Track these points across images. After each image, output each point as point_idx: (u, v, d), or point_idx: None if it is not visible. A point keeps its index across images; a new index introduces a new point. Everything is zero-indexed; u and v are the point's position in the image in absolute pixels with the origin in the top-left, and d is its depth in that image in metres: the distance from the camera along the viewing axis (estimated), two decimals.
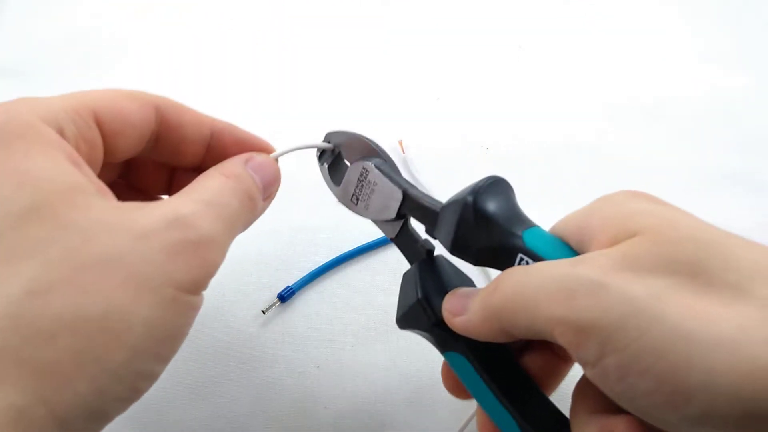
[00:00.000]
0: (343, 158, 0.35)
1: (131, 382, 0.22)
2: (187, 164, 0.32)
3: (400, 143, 0.51)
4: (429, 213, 0.31)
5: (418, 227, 0.33)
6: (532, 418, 0.28)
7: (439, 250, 0.32)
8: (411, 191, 0.32)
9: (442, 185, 0.50)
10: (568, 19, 0.62)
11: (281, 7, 0.61)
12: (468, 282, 0.33)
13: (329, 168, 0.35)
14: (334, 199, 0.48)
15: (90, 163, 0.27)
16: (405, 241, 0.33)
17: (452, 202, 0.29)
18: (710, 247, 0.23)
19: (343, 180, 0.34)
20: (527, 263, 0.27)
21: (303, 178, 0.50)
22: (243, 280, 0.44)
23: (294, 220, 0.47)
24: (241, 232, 0.29)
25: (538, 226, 0.28)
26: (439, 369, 0.41)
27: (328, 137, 0.35)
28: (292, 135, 0.52)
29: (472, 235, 0.28)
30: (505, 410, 0.28)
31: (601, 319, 0.21)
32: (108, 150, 0.28)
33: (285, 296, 0.43)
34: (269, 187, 0.31)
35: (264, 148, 0.32)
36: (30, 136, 0.24)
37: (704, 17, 0.62)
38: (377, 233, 0.46)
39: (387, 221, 0.33)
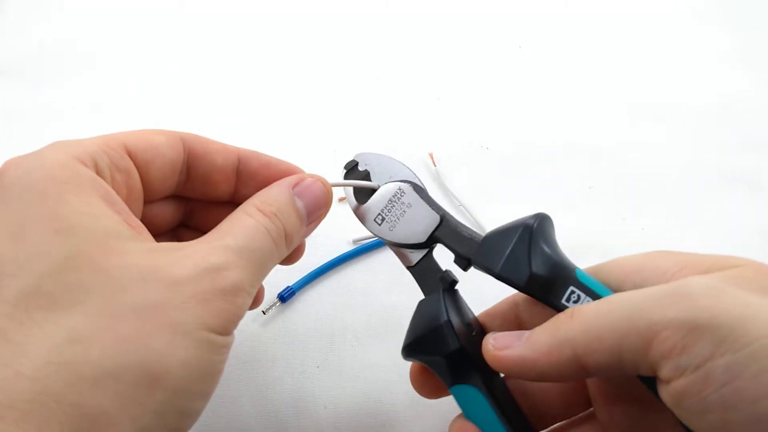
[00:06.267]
0: (369, 178, 0.34)
1: (175, 421, 0.23)
2: (222, 195, 0.32)
3: (431, 156, 0.51)
4: (467, 241, 0.31)
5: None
6: None
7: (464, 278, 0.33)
8: (449, 218, 0.32)
9: (444, 185, 0.50)
10: (568, 19, 0.62)
11: (277, 6, 0.61)
12: (479, 324, 0.33)
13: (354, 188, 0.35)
14: (334, 199, 0.48)
15: (129, 194, 0.28)
16: (425, 269, 0.33)
17: (508, 228, 0.29)
18: None
19: (371, 199, 0.34)
20: (578, 297, 0.27)
21: None
22: None
23: None
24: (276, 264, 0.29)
25: (579, 269, 0.29)
26: None
27: (359, 159, 0.35)
28: (291, 136, 0.53)
29: (528, 260, 0.28)
30: None
31: (720, 317, 0.21)
32: (144, 181, 0.29)
33: (285, 296, 0.43)
34: (315, 212, 0.31)
35: (290, 172, 0.32)
36: (63, 178, 0.24)
37: (705, 17, 0.62)
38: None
39: (409, 246, 0.33)
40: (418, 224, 0.32)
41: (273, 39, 0.59)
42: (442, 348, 0.29)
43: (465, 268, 0.31)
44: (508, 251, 0.28)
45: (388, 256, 0.46)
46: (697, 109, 0.56)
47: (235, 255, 0.26)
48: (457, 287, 0.32)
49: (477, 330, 0.31)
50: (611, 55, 0.59)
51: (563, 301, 0.28)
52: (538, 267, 0.28)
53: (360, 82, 0.57)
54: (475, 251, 0.30)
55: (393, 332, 0.43)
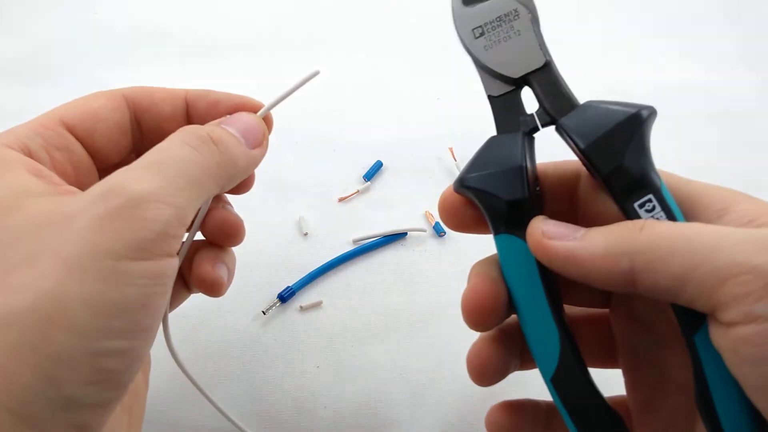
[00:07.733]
0: None
1: (90, 364, 0.21)
2: None
3: (451, 150, 0.51)
4: (562, 99, 0.28)
5: None
6: (569, 336, 0.26)
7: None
8: (554, 66, 0.29)
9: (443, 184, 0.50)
10: (567, 18, 0.62)
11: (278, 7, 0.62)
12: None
13: None
14: (334, 198, 0.48)
15: (76, 169, 0.27)
16: (508, 104, 0.30)
17: (615, 107, 0.27)
18: None
19: (479, 5, 0.29)
20: (653, 207, 0.25)
21: (303, 177, 0.50)
22: (243, 280, 0.44)
23: (294, 220, 0.47)
24: (225, 179, 0.27)
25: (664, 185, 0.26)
26: (438, 369, 0.41)
27: None
28: (289, 133, 0.53)
29: (622, 150, 0.26)
30: (551, 316, 0.26)
31: None
32: (91, 150, 0.28)
33: (285, 296, 0.43)
34: (250, 137, 0.28)
35: (245, 104, 0.30)
36: None
37: (706, 17, 0.63)
38: (377, 233, 0.46)
39: (496, 75, 0.30)
40: (518, 56, 0.29)
41: (276, 37, 0.59)
42: (510, 192, 0.27)
43: (544, 125, 0.29)
44: (604, 131, 0.26)
45: (388, 256, 0.46)
46: (697, 109, 0.56)
47: (138, 170, 0.24)
48: (535, 135, 0.29)
49: (540, 185, 0.29)
50: (610, 54, 0.60)
51: (636, 205, 0.25)
52: (629, 161, 0.25)
53: (360, 81, 0.57)
54: (566, 114, 0.28)
55: (393, 332, 0.43)
